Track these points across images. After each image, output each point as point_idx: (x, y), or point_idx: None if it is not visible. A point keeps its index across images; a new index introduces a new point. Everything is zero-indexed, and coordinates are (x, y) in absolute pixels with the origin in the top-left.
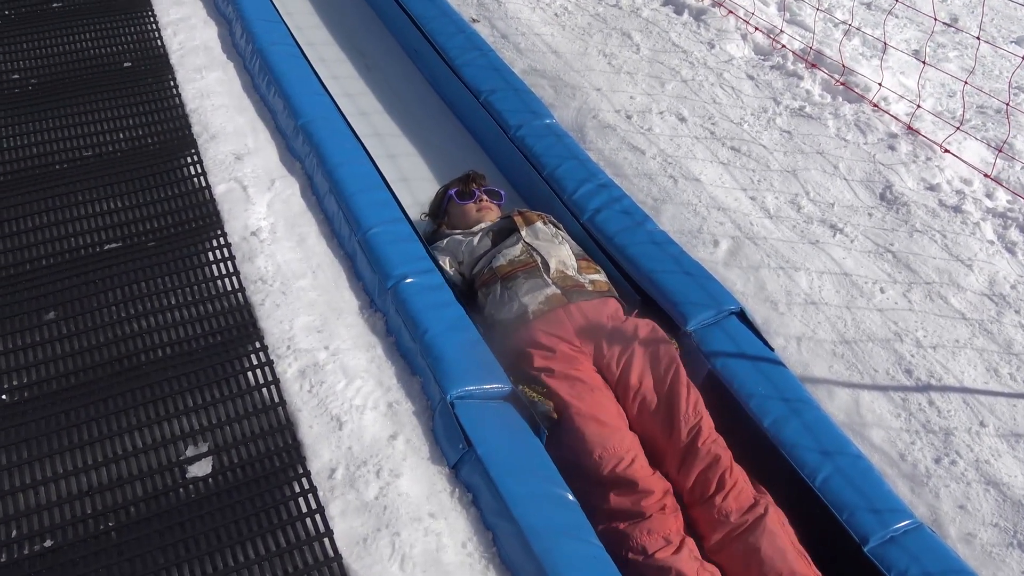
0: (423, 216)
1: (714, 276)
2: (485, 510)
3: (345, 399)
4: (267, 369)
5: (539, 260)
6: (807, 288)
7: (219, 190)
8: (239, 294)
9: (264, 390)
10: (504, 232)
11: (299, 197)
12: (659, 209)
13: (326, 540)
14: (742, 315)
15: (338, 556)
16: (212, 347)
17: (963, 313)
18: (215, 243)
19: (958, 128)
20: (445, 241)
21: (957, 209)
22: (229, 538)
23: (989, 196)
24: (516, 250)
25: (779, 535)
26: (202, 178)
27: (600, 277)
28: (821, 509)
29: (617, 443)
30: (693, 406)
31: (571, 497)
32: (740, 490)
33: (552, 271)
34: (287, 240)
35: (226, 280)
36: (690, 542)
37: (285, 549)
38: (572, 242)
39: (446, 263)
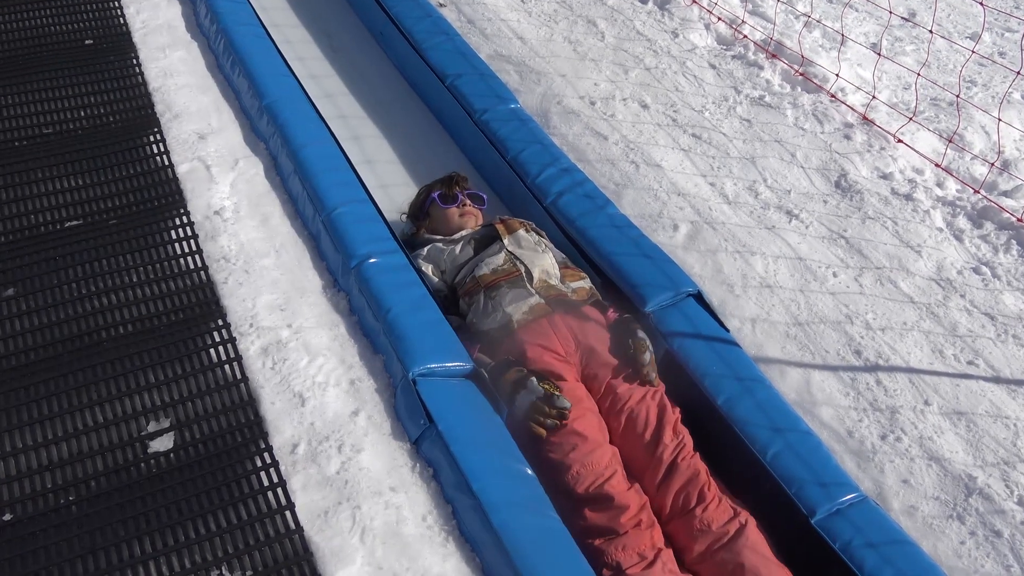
0: (402, 217)
1: (673, 259)
2: (445, 484)
3: (307, 376)
4: (229, 346)
5: (522, 269)
6: (763, 272)
7: (182, 169)
8: (202, 272)
9: (226, 367)
10: (486, 240)
11: (263, 177)
12: (620, 194)
13: (287, 513)
14: (699, 297)
15: (299, 528)
16: (174, 324)
17: (911, 297)
18: (178, 222)
19: (911, 119)
20: (426, 249)
21: (908, 197)
22: (190, 511)
23: (939, 185)
24: (499, 259)
25: (760, 546)
26: (165, 157)
27: (583, 284)
28: (771, 483)
29: (596, 460)
30: (675, 424)
31: (530, 472)
32: (720, 502)
33: (535, 280)
34: (250, 220)
35: (189, 258)
36: (666, 555)
37: (246, 521)
38: (555, 250)
39: (429, 270)
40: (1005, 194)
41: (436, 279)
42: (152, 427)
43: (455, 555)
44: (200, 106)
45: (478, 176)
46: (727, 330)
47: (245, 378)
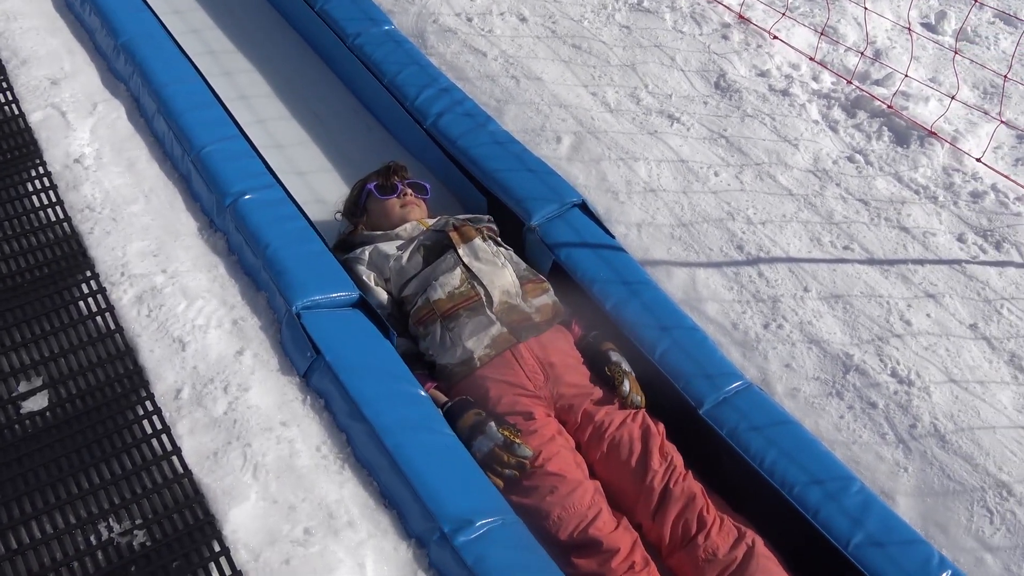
0: (337, 216)
1: (557, 171)
2: (338, 413)
3: (187, 320)
4: (100, 297)
5: (482, 292)
6: (646, 177)
7: (35, 118)
8: (65, 224)
9: (98, 319)
10: (437, 248)
11: (125, 120)
12: (502, 110)
13: (174, 458)
14: (584, 207)
15: (187, 471)
16: (39, 280)
17: (790, 189)
18: (34, 173)
19: (783, 15)
20: (368, 252)
21: (785, 93)
22: (71, 467)
23: (815, 79)
24: (455, 279)
25: (772, 566)
26: (14, 106)
27: (546, 299)
28: (661, 380)
29: (577, 501)
30: (661, 445)
31: (423, 393)
32: (722, 524)
33: (496, 304)
34: (115, 166)
35: (49, 210)
36: None
37: (132, 471)
38: (516, 259)
39: (371, 279)
40: (877, 83)
41: (381, 291)
42: (23, 387)
43: (351, 481)
44: (49, 49)
45: (356, 102)
46: (613, 236)
47: (120, 328)
